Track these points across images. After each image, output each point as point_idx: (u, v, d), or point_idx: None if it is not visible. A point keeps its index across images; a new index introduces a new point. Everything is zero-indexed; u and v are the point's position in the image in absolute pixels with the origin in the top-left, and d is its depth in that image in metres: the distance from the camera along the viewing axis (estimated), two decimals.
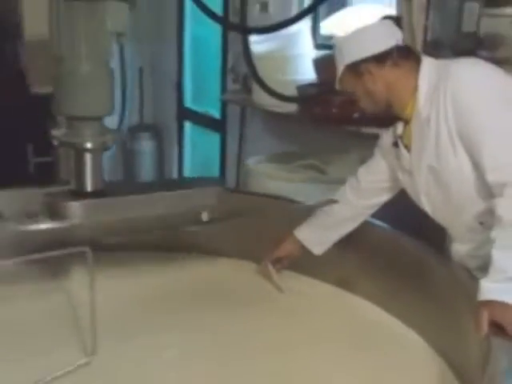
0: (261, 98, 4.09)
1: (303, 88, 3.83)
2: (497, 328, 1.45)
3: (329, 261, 2.20)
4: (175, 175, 6.15)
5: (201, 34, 5.75)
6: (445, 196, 1.87)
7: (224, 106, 5.30)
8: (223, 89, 5.19)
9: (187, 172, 6.15)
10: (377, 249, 2.15)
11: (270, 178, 3.42)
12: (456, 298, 1.77)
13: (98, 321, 1.60)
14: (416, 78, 1.81)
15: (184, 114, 6.02)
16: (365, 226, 2.16)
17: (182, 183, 1.79)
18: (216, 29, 5.18)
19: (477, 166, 1.69)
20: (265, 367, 1.75)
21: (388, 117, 1.97)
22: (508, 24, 2.85)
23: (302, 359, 1.79)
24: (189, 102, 6.00)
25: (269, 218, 2.32)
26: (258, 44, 4.14)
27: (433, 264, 1.94)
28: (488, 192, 1.71)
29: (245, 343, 1.87)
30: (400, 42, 1.85)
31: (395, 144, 1.97)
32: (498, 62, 3.01)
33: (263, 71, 3.94)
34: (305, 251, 2.20)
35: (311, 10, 3.55)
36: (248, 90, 4.51)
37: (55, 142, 1.52)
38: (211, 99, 5.58)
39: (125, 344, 1.78)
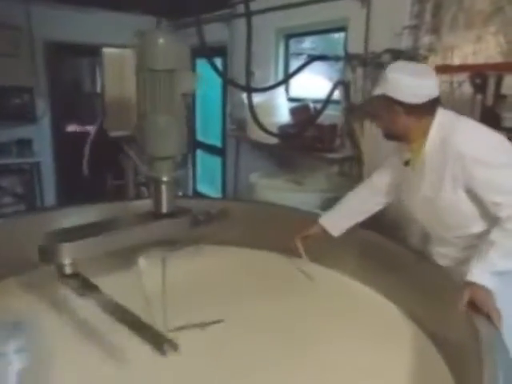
0: (252, 133, 4.03)
1: (283, 127, 3.76)
2: (473, 307, 1.31)
3: (331, 253, 2.02)
4: (191, 188, 6.02)
5: (207, 92, 5.61)
6: (435, 216, 1.63)
7: (224, 139, 5.21)
8: (224, 127, 5.13)
9: (199, 185, 6.03)
10: (365, 245, 1.95)
11: (269, 189, 3.33)
12: (430, 279, 1.59)
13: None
14: (428, 126, 1.53)
15: (196, 144, 5.89)
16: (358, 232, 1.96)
17: None
18: (217, 88, 5.12)
19: (480, 202, 1.47)
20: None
21: (392, 138, 1.67)
22: None
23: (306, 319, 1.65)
24: (200, 136, 5.87)
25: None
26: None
27: (411, 258, 1.73)
28: (472, 222, 1.53)
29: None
30: (433, 96, 1.51)
31: (406, 163, 1.67)
32: None
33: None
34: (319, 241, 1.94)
35: (291, 77, 3.50)
36: (241, 128, 4.44)
37: (142, 177, 1.43)
38: (215, 134, 5.45)
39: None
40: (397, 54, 2.93)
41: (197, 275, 1.89)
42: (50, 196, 5.19)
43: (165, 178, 1.39)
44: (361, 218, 1.91)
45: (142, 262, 1.81)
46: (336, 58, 3.30)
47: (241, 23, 4.67)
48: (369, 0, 3.28)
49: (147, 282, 1.68)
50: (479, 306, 1.31)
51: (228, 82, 2.90)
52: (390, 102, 1.53)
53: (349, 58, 3.19)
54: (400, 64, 1.63)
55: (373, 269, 1.85)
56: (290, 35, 4.24)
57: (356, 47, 3.33)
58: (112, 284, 1.76)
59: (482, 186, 1.44)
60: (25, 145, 4.72)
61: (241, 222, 2.19)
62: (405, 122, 1.54)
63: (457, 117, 1.55)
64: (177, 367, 1.33)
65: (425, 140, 1.54)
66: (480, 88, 2.13)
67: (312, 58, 3.26)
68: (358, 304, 1.78)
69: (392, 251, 1.81)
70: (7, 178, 4.78)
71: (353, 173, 3.51)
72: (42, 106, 4.90)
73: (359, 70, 3.26)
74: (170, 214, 1.43)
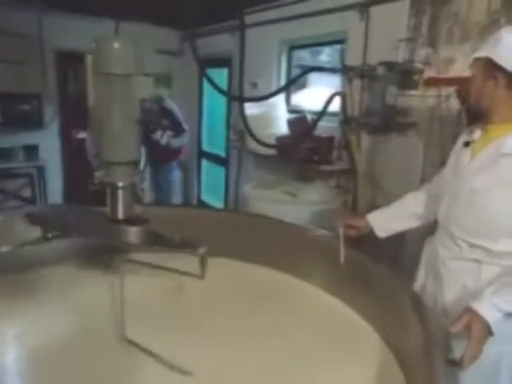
0: (251, 145, 4.00)
1: (280, 139, 3.73)
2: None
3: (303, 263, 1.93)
4: (195, 196, 6.02)
5: (213, 104, 5.66)
6: (468, 216, 1.41)
7: (227, 149, 5.21)
8: (227, 138, 5.12)
9: (203, 193, 6.02)
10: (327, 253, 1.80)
11: (260, 200, 3.28)
12: (390, 289, 1.52)
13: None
14: None
15: (201, 154, 5.92)
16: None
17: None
18: (222, 101, 5.15)
19: None
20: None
21: (475, 112, 1.45)
22: (413, 100, 2.82)
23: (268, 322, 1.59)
24: (205, 147, 5.89)
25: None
26: (251, 109, 4.08)
27: (382, 273, 1.60)
28: (503, 237, 1.34)
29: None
30: None
31: (466, 144, 1.45)
32: (408, 126, 2.99)
33: (254, 127, 3.86)
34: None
35: (284, 88, 3.47)
36: (243, 139, 4.45)
37: (96, 181, 1.39)
38: (220, 145, 5.46)
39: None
40: (391, 67, 2.88)
41: (176, 286, 1.85)
42: (57, 200, 5.25)
43: (121, 184, 1.36)
44: (415, 223, 1.68)
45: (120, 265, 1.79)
46: (332, 70, 3.25)
47: (245, 34, 4.71)
48: (368, 13, 3.25)
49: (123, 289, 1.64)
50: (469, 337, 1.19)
51: (221, 93, 2.89)
52: (492, 68, 1.30)
53: (345, 70, 3.15)
54: None
55: (342, 281, 1.78)
56: (293, 47, 4.23)
57: (355, 59, 3.30)
58: (88, 288, 1.81)
59: None
60: (31, 150, 4.79)
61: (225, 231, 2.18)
62: (501, 96, 1.32)
63: None
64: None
65: (508, 126, 1.33)
66: (465, 101, 2.04)
67: (307, 70, 3.23)
68: (328, 317, 1.71)
69: (364, 265, 1.73)
70: (14, 181, 4.86)
71: (349, 185, 3.45)
72: (51, 113, 4.98)
73: (356, 82, 3.22)
74: (127, 221, 1.39)
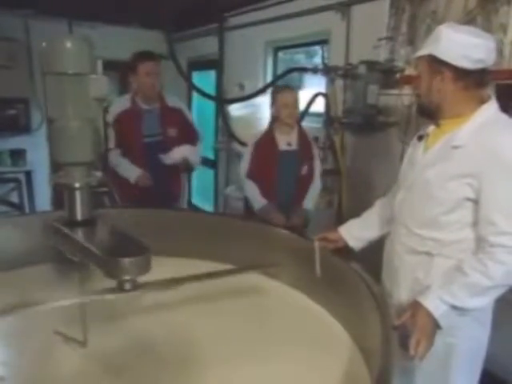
0: (238, 146, 4.01)
1: None
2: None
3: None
4: (185, 199, 5.99)
5: (202, 106, 5.64)
6: (420, 204, 1.42)
7: (216, 151, 5.21)
8: (216, 140, 5.12)
9: (194, 197, 6.01)
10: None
11: (241, 201, 3.27)
12: (357, 288, 1.50)
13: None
14: (472, 109, 1.32)
15: None
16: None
17: None
18: (211, 103, 5.06)
19: (475, 216, 1.30)
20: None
21: (426, 110, 1.44)
22: (395, 99, 2.82)
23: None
24: None
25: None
26: (237, 110, 4.09)
27: (343, 267, 1.60)
28: (450, 228, 1.35)
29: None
30: (486, 65, 1.29)
31: (420, 138, 1.48)
32: (390, 125, 2.98)
33: (240, 128, 3.87)
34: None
35: (264, 89, 3.46)
36: (230, 141, 4.45)
37: (51, 183, 1.38)
38: (208, 147, 5.41)
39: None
40: (372, 66, 2.87)
41: None
42: (45, 205, 5.22)
43: (77, 185, 1.34)
44: (386, 228, 1.63)
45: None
46: (315, 70, 3.24)
47: (231, 37, 4.71)
48: (349, 12, 3.24)
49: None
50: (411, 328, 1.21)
51: (202, 95, 2.88)
52: (436, 64, 1.31)
53: (327, 70, 3.14)
54: (456, 24, 1.40)
55: (312, 279, 1.74)
56: (278, 48, 4.22)
57: (338, 59, 3.29)
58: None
59: (490, 196, 1.25)
60: (19, 155, 4.78)
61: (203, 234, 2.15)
62: (449, 90, 1.32)
63: (508, 120, 1.34)
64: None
65: (460, 120, 1.34)
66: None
67: (289, 70, 3.22)
68: (298, 314, 1.71)
69: (333, 264, 1.71)
70: (1, 186, 4.84)
71: (334, 186, 3.43)
72: (38, 117, 4.96)
73: (339, 82, 3.21)
74: (86, 222, 1.38)
